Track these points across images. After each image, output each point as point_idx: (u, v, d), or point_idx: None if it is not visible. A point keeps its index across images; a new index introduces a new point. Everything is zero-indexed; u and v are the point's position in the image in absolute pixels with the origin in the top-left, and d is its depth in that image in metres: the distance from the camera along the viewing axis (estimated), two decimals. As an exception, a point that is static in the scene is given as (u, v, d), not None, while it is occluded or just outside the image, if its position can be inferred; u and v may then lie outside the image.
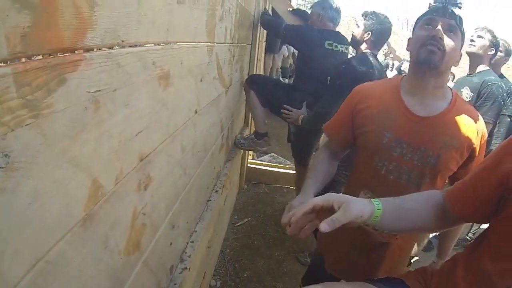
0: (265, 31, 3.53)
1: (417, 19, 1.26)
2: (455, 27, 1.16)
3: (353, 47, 2.46)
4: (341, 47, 2.58)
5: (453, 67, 1.22)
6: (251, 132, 3.02)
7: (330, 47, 2.51)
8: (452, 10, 1.16)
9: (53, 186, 0.57)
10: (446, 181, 1.29)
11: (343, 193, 1.42)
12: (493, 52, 2.62)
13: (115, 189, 0.78)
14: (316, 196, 1.09)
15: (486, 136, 1.26)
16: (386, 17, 2.28)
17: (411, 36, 1.26)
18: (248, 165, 3.60)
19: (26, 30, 0.46)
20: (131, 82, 0.79)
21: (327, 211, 0.85)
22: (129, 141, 0.82)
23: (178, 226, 1.34)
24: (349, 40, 2.44)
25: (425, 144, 1.18)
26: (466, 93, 2.61)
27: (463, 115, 1.21)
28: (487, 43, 2.60)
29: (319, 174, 1.34)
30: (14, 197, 0.49)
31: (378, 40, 2.21)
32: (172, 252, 1.33)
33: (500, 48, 2.96)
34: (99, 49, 0.65)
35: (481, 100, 2.55)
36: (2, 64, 0.44)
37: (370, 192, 1.28)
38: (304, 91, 2.59)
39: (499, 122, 3.11)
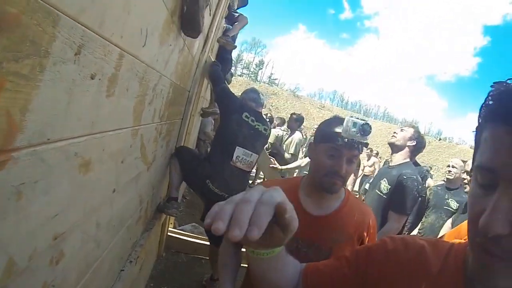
0: (199, 105, 3.68)
1: (321, 134, 1.32)
2: (357, 155, 1.25)
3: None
4: (259, 125, 2.79)
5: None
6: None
7: (246, 119, 2.72)
8: (362, 144, 1.23)
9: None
10: None
11: (245, 277, 1.45)
12: (414, 143, 2.70)
13: (28, 265, 0.84)
14: None
15: (376, 226, 1.38)
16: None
17: (313, 144, 1.34)
18: (169, 233, 3.56)
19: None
20: (52, 173, 0.87)
21: None
22: (45, 224, 0.89)
23: (87, 297, 1.35)
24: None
25: (318, 240, 1.26)
26: (384, 185, 2.65)
27: (355, 211, 1.32)
28: (409, 135, 2.70)
29: (232, 271, 1.30)
30: None
31: None
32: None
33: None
34: (25, 148, 0.73)
35: (397, 194, 2.54)
36: None
37: None
38: (210, 162, 2.71)
39: None
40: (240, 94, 3.07)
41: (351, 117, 1.23)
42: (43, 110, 0.76)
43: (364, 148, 1.25)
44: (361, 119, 1.22)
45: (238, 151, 2.67)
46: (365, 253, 0.81)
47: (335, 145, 1.23)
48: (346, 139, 1.21)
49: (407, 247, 0.76)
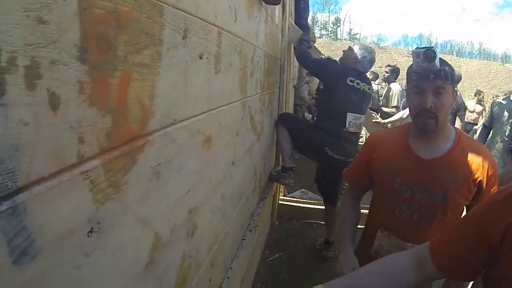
0: (291, 72, 3.63)
1: (407, 72, 1.26)
2: (443, 86, 1.17)
3: None
4: (364, 85, 2.67)
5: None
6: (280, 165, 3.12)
7: (351, 83, 2.60)
8: (435, 72, 1.16)
9: (128, 240, 0.71)
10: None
11: (363, 234, 1.50)
12: None
13: (170, 238, 0.91)
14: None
15: (495, 165, 1.28)
16: None
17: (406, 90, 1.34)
18: (280, 202, 3.66)
19: (109, 129, 0.60)
20: (182, 151, 0.93)
21: None
22: (181, 199, 0.96)
23: (216, 264, 1.44)
24: None
25: (432, 184, 1.24)
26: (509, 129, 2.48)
27: (468, 151, 1.25)
28: None
29: (352, 225, 1.44)
30: (102, 252, 0.63)
31: None
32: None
33: None
34: (158, 130, 0.80)
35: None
36: (95, 158, 0.58)
37: (386, 231, 1.34)
38: (324, 130, 2.66)
39: None
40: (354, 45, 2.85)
41: (415, 49, 1.21)
42: (166, 93, 0.81)
43: (449, 75, 1.17)
44: (425, 47, 1.18)
45: (349, 117, 2.62)
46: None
47: (414, 82, 1.22)
48: (420, 72, 1.19)
49: None
